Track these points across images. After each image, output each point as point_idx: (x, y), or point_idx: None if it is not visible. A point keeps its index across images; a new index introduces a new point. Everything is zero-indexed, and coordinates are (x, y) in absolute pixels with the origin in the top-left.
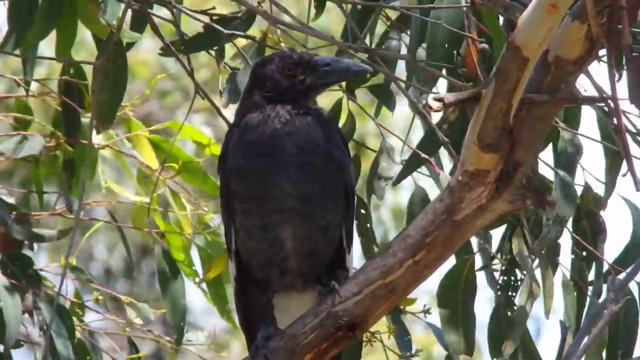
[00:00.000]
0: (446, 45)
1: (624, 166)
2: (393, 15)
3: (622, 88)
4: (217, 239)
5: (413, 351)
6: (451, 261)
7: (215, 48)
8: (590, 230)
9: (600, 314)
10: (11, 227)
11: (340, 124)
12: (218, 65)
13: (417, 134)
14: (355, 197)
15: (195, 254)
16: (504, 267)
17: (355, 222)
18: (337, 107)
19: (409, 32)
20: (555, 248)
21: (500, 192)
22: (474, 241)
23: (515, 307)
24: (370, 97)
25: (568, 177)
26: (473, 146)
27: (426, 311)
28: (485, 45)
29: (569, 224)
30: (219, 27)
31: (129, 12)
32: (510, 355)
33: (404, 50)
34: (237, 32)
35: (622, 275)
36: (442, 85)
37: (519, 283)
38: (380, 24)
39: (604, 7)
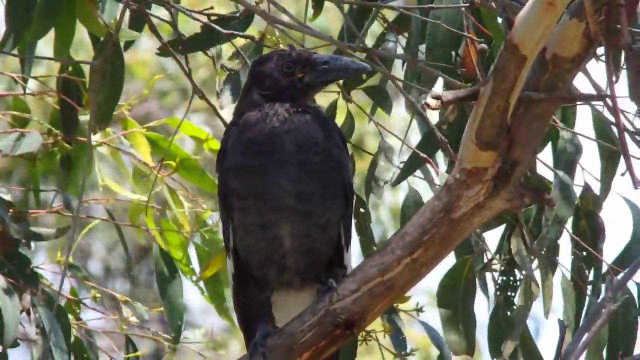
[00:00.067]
0: (445, 46)
1: (624, 166)
2: (390, 17)
3: (620, 86)
4: (215, 236)
5: (408, 350)
6: (451, 261)
7: (212, 48)
8: (590, 231)
9: (598, 313)
10: (9, 225)
11: (340, 124)
12: (215, 66)
13: (415, 136)
14: (354, 196)
15: (192, 252)
16: (502, 268)
17: (354, 221)
18: (333, 107)
19: (405, 34)
20: (555, 248)
21: (498, 190)
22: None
23: (514, 307)
24: (368, 97)
25: (567, 178)
26: (471, 144)
27: (419, 309)
28: (484, 45)
29: (569, 225)
30: (217, 27)
31: (127, 12)
32: (510, 355)
33: (400, 52)
34: (235, 32)
35: (621, 275)
36: (441, 85)
37: (518, 283)
38: (377, 26)
39: (601, 5)
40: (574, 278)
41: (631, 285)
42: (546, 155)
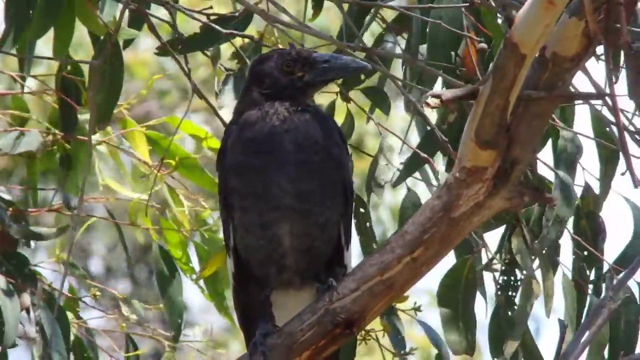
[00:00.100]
0: (446, 46)
1: (624, 165)
2: (390, 16)
3: (619, 86)
4: (215, 235)
5: (407, 349)
6: (451, 260)
7: (211, 48)
8: (590, 231)
9: (598, 312)
10: (9, 225)
11: (339, 124)
12: (214, 67)
13: (414, 136)
14: (354, 195)
15: (192, 251)
16: (503, 268)
17: (354, 221)
18: (332, 108)
19: (405, 35)
20: (556, 248)
21: (497, 189)
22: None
23: (515, 307)
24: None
25: (568, 178)
26: (470, 143)
27: (417, 308)
28: (484, 45)
29: (570, 225)
30: (216, 26)
31: (126, 12)
32: (511, 355)
33: (399, 52)
34: (235, 32)
35: (621, 275)
36: (440, 85)
37: (519, 283)
38: (376, 26)
39: (601, 4)
40: (575, 277)
41: (632, 285)
42: (547, 155)
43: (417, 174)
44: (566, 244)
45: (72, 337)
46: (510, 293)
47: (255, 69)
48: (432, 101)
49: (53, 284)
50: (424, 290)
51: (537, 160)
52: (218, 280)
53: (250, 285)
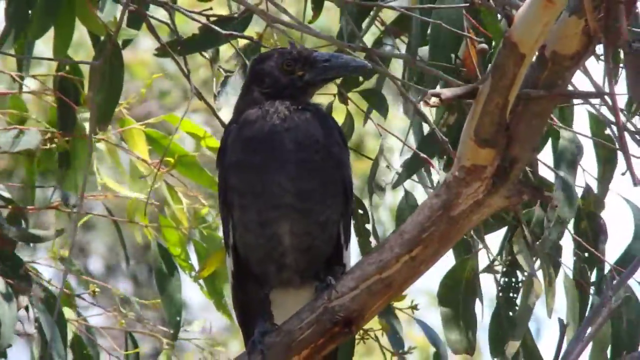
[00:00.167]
0: (447, 47)
1: (624, 166)
2: (390, 17)
3: (619, 85)
4: (214, 233)
5: (405, 349)
6: (450, 260)
7: (210, 50)
8: (591, 232)
9: (599, 312)
10: (7, 229)
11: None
12: (212, 68)
13: (413, 137)
14: (354, 194)
15: (191, 249)
16: (504, 269)
17: (353, 222)
18: (329, 109)
19: (403, 37)
20: (557, 249)
21: (496, 188)
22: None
23: (517, 308)
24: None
25: (569, 178)
26: (470, 141)
27: (414, 307)
28: (485, 46)
29: (570, 225)
30: (216, 27)
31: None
32: (512, 355)
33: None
34: (234, 33)
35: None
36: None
37: (520, 285)
38: (375, 29)
39: (600, 2)
40: (576, 277)
41: (634, 284)
42: (547, 155)
43: (415, 177)
44: (567, 244)
45: (70, 335)
46: (511, 294)
47: (256, 68)
48: (432, 100)
49: (51, 280)
50: (423, 291)
51: (538, 161)
52: (217, 278)
53: (249, 283)
